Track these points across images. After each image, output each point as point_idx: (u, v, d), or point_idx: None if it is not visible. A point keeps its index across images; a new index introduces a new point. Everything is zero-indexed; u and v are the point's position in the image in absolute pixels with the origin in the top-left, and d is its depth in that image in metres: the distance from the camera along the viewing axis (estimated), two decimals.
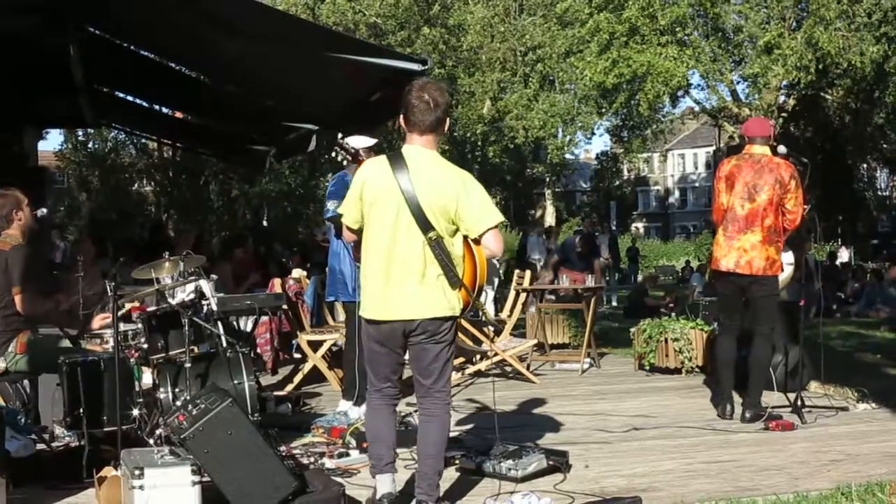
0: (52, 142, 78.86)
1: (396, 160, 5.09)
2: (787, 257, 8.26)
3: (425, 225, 4.98)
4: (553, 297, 13.62)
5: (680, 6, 32.09)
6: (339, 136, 8.06)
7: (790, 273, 8.43)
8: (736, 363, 8.28)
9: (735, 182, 7.97)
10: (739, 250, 7.93)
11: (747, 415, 7.93)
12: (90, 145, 40.99)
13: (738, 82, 35.97)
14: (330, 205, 7.96)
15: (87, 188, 42.06)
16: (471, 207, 5.04)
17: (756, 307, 8.10)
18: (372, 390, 5.31)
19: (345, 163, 7.81)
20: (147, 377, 7.48)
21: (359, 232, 5.25)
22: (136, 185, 42.21)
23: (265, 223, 33.98)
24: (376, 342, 5.19)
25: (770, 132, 8.13)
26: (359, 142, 7.96)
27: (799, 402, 8.01)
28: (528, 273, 11.80)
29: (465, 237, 5.11)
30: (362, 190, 5.16)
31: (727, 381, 8.23)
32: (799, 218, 7.91)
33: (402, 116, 5.18)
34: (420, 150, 5.13)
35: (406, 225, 5.01)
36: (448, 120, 5.24)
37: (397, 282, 5.04)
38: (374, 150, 7.21)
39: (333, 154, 7.88)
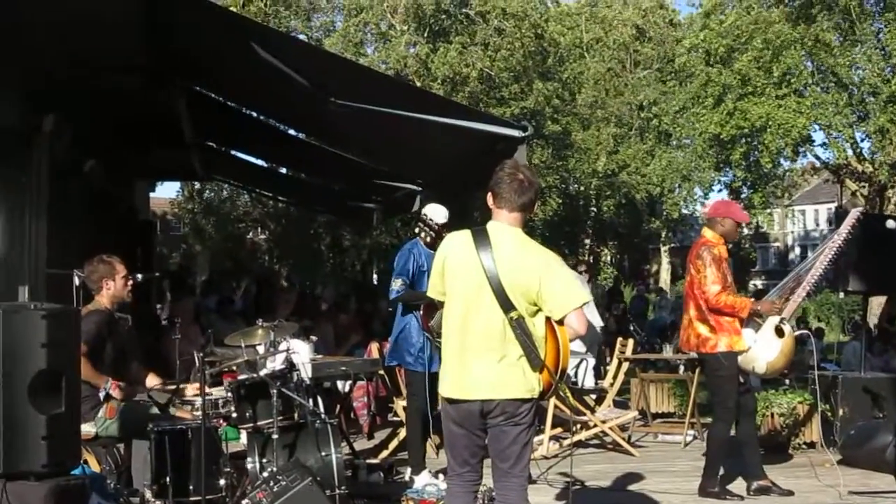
0: (168, 189, 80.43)
1: (480, 236, 5.01)
2: (749, 334, 7.86)
3: (506, 304, 4.86)
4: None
5: (793, 56, 31.45)
6: (424, 212, 8.00)
7: (754, 351, 7.85)
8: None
9: None
10: (682, 329, 8.14)
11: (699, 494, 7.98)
12: (205, 194, 41.80)
13: (862, 139, 35.01)
14: (395, 285, 7.90)
15: (202, 237, 42.94)
16: (554, 289, 4.91)
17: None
18: (451, 475, 5.17)
19: (428, 239, 7.73)
20: (245, 439, 7.47)
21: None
22: (250, 234, 42.83)
23: (375, 276, 34.07)
24: (454, 423, 5.06)
25: (712, 213, 8.17)
26: (437, 213, 7.89)
27: None
28: (630, 341, 11.53)
29: (548, 318, 4.97)
30: (444, 264, 5.09)
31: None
32: (713, 296, 7.71)
33: (490, 193, 5.09)
34: (505, 228, 5.04)
35: (487, 303, 4.90)
36: (536, 203, 5.15)
37: (476, 361, 4.92)
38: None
39: (416, 230, 7.82)
